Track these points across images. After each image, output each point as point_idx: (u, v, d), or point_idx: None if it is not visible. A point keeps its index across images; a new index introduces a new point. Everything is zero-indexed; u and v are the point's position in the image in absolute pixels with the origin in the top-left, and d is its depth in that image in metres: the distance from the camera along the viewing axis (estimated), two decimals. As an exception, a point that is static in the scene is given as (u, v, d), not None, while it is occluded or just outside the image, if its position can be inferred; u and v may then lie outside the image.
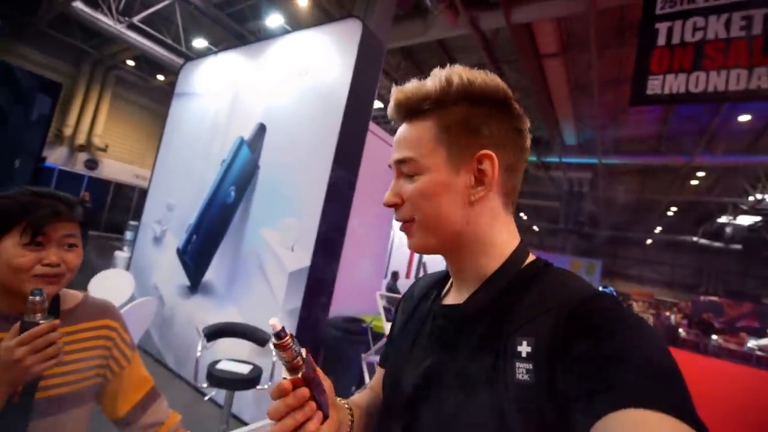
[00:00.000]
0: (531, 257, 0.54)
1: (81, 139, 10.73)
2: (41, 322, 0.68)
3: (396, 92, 0.55)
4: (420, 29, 5.49)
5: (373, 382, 0.73)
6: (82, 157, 10.86)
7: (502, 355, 0.44)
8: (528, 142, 0.55)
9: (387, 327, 2.68)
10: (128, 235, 6.56)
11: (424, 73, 0.52)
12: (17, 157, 3.91)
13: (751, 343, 11.99)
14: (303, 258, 2.51)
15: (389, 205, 0.55)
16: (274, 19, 6.38)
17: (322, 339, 2.81)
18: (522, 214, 19.88)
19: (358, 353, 2.96)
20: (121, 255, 5.77)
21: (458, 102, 0.51)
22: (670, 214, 13.69)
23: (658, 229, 16.52)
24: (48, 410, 0.79)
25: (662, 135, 7.83)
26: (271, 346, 0.45)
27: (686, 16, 2.45)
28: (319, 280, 2.54)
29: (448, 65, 0.52)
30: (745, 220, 12.35)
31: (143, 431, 0.88)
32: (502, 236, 0.53)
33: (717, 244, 15.01)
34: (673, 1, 2.53)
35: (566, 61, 5.98)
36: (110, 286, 2.90)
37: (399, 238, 8.34)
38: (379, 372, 0.71)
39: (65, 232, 0.79)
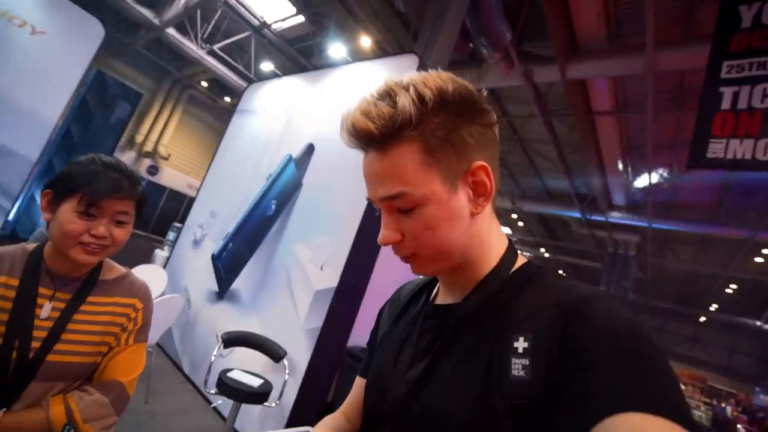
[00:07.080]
0: (522, 259, 0.54)
1: (149, 146, 11.78)
2: None
3: (357, 119, 0.47)
4: (474, 76, 5.65)
5: (347, 403, 0.70)
6: (146, 162, 11.85)
7: (498, 352, 0.44)
8: (497, 132, 0.52)
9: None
10: (170, 235, 6.83)
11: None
12: (92, 153, 4.41)
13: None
14: (331, 278, 2.52)
15: (389, 244, 0.51)
16: (337, 49, 6.79)
17: (340, 365, 2.74)
18: (561, 271, 18.89)
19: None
20: (161, 253, 6.04)
21: (434, 117, 0.46)
22: (729, 291, 12.45)
23: (714, 307, 15.03)
24: (51, 375, 0.77)
25: (722, 205, 7.31)
26: None
27: (755, 82, 2.35)
28: (344, 303, 2.52)
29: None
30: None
31: (55, 390, 0.79)
32: (494, 239, 0.54)
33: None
34: (741, 67, 2.45)
35: (620, 120, 5.86)
36: (144, 279, 3.05)
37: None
38: (359, 383, 0.69)
39: (120, 209, 0.81)
